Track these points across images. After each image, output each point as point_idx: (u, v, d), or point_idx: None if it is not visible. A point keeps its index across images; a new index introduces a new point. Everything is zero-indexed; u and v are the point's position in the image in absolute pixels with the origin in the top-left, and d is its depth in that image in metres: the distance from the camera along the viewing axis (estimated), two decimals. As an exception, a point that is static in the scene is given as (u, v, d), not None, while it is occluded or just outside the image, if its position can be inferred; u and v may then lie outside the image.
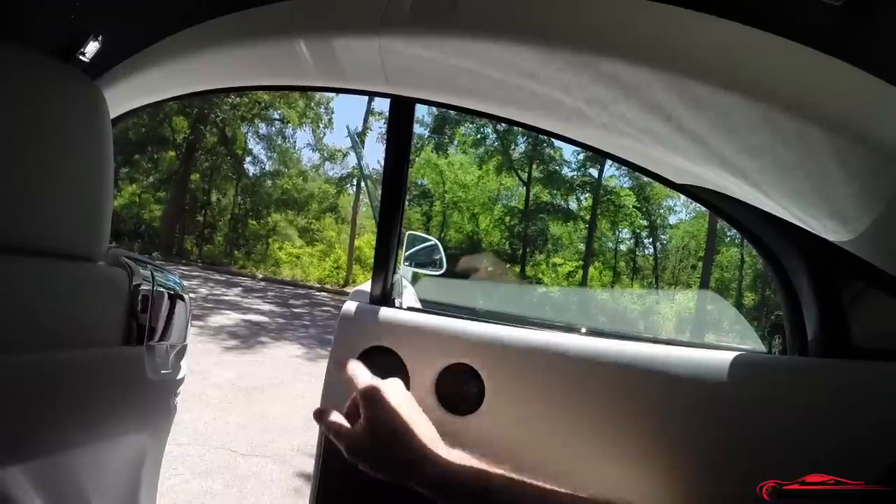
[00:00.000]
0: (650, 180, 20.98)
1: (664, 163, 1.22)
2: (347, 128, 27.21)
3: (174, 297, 1.27)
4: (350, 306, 1.33)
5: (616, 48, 0.87)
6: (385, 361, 1.26)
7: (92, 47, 1.26)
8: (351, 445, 0.86)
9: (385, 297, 1.38)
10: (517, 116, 1.26)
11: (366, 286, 1.42)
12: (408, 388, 1.24)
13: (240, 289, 15.82)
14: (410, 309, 1.36)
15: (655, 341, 1.23)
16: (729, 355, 1.13)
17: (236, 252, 24.12)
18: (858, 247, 1.02)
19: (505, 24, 0.92)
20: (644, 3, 0.85)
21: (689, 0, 0.82)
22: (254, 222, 25.13)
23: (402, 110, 1.34)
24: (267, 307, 12.86)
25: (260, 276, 20.91)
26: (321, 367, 6.95)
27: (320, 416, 0.92)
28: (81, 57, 1.27)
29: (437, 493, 0.81)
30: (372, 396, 0.88)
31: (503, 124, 21.91)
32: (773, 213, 1.11)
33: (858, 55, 0.76)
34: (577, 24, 0.89)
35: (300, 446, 4.30)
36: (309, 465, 3.94)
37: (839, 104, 0.80)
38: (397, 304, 1.41)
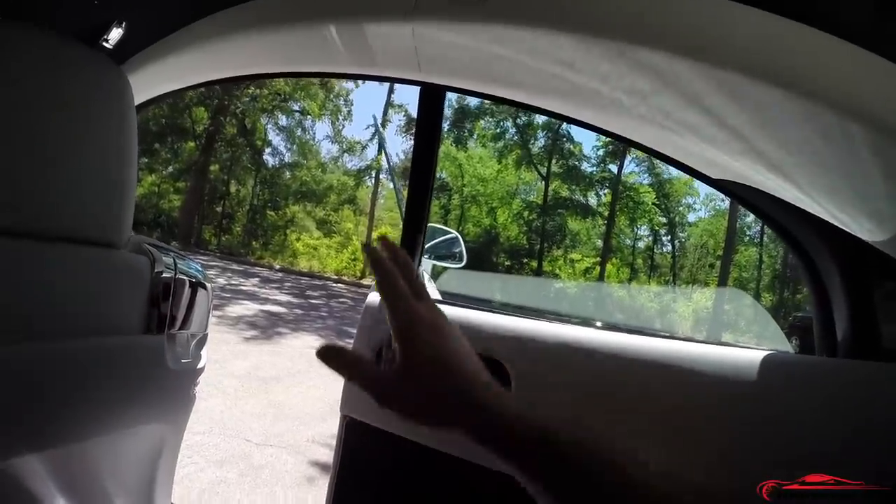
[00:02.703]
0: (670, 177, 20.98)
1: (700, 156, 1.19)
2: (374, 117, 27.30)
3: (196, 286, 1.26)
4: (374, 298, 1.32)
5: (656, 38, 0.85)
6: None
7: (115, 34, 1.25)
8: (379, 388, 0.68)
9: None
10: (552, 106, 1.24)
11: (388, 277, 1.41)
12: None
13: (257, 279, 15.91)
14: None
15: (677, 338, 1.21)
16: (758, 354, 1.11)
17: (254, 242, 24.23)
18: (893, 247, 0.99)
19: (542, 12, 0.90)
20: None
21: None
22: (272, 213, 25.21)
23: (432, 99, 1.32)
24: (285, 298, 12.92)
25: (277, 266, 21.03)
26: (338, 358, 6.98)
27: (328, 353, 0.68)
28: (105, 43, 1.26)
29: (487, 439, 0.64)
30: (408, 330, 0.69)
31: (523, 118, 22.00)
32: (809, 210, 1.09)
33: (897, 52, 0.73)
34: (616, 12, 0.87)
35: (315, 436, 4.31)
36: (323, 456, 3.96)
37: (880, 101, 0.78)
38: (421, 296, 1.39)
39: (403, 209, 1.39)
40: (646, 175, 22.53)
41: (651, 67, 0.88)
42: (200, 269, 1.32)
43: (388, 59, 1.20)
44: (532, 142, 23.58)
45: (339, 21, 1.10)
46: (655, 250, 23.72)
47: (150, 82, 1.45)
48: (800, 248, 1.25)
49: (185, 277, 1.21)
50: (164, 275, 1.14)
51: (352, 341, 1.32)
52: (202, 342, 1.32)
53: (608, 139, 16.91)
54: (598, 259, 22.67)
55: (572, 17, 0.88)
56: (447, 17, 0.97)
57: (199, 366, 1.29)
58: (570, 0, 0.89)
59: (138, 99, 1.36)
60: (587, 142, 22.71)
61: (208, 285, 1.31)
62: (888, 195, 0.89)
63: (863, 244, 1.03)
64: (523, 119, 22.72)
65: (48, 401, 0.90)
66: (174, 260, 1.20)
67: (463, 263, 2.66)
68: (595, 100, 1.11)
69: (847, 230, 1.04)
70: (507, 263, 23.01)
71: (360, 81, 21.15)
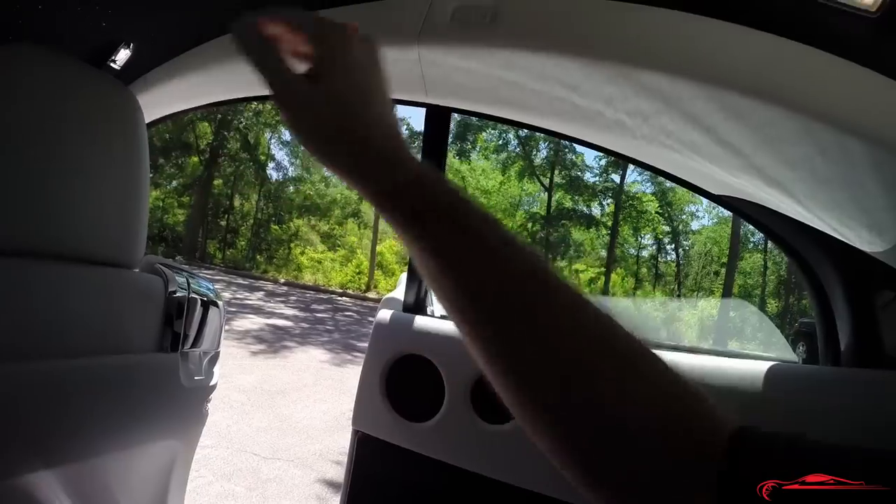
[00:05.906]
0: (673, 185, 20.95)
1: (702, 174, 1.21)
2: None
3: (208, 304, 1.27)
4: (384, 314, 1.33)
5: (658, 61, 0.86)
6: (420, 370, 1.25)
7: (123, 55, 1.27)
8: (301, 110, 0.52)
9: (419, 305, 1.37)
10: (557, 127, 1.26)
11: (397, 293, 1.42)
12: (443, 396, 1.24)
13: (262, 293, 15.91)
14: (444, 317, 1.36)
15: (682, 350, 1.22)
16: (762, 365, 1.12)
17: (259, 257, 24.22)
18: (893, 257, 1.00)
19: (546, 37, 0.92)
20: (685, 16, 0.84)
21: (729, 13, 0.82)
22: (276, 227, 25.21)
23: (438, 119, 1.34)
24: (290, 312, 12.91)
25: (282, 280, 20.99)
26: (345, 371, 6.97)
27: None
28: (112, 64, 1.28)
29: (405, 198, 0.52)
30: (338, 36, 0.54)
31: (525, 130, 22.03)
32: (809, 223, 1.10)
33: (894, 67, 0.75)
34: (619, 37, 0.88)
35: (322, 451, 4.30)
36: (331, 470, 3.96)
37: (877, 116, 0.79)
38: (429, 311, 1.40)
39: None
40: (648, 184, 22.52)
41: (654, 89, 0.90)
42: (212, 287, 1.33)
43: (394, 82, 1.20)
44: (534, 153, 23.59)
45: None
46: (659, 259, 23.67)
47: (157, 102, 1.46)
48: (801, 259, 1.26)
49: (197, 297, 1.22)
50: (177, 294, 1.16)
51: (360, 355, 1.33)
52: (214, 360, 1.33)
53: (611, 149, 16.93)
54: (603, 269, 22.64)
55: (577, 42, 0.90)
56: (453, 41, 0.99)
57: (212, 383, 1.30)
58: (576, 25, 0.90)
59: (146, 119, 1.38)
60: (589, 152, 22.72)
61: (220, 304, 1.32)
62: (887, 207, 0.91)
63: (863, 255, 1.04)
64: (525, 131, 22.74)
65: (62, 418, 0.91)
66: (187, 279, 1.21)
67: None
68: (599, 121, 1.12)
69: (847, 242, 1.05)
70: (511, 275, 22.91)
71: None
